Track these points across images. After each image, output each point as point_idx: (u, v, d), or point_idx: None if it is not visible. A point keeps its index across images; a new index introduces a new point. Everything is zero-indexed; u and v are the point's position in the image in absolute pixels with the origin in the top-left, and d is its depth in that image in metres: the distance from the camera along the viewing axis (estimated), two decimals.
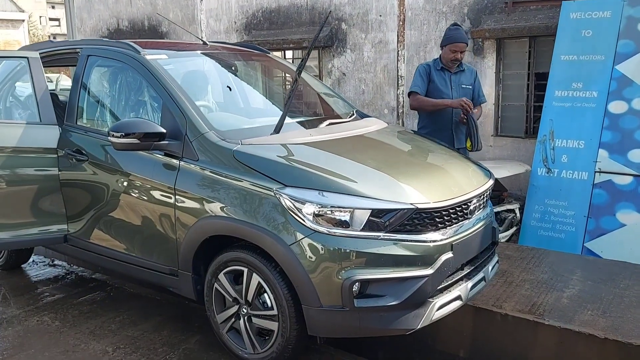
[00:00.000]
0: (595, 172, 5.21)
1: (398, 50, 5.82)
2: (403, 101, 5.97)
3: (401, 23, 5.70)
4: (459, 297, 2.75)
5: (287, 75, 5.67)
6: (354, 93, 8.13)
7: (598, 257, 4.83)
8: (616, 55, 5.29)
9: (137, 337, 3.17)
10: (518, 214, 5.65)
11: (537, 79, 6.54)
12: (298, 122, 3.42)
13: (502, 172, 5.67)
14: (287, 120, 3.22)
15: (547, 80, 5.72)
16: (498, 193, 5.76)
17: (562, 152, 5.44)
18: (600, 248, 5.06)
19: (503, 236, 5.48)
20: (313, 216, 2.54)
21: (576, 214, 5.25)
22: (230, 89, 3.82)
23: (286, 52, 8.79)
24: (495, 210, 5.44)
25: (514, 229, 5.60)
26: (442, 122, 4.33)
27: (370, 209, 2.53)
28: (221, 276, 2.84)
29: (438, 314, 2.65)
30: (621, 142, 5.13)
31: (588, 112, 5.36)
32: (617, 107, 5.21)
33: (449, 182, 2.90)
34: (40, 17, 51.44)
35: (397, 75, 5.92)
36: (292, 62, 8.72)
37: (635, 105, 5.11)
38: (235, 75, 4.01)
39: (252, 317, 2.78)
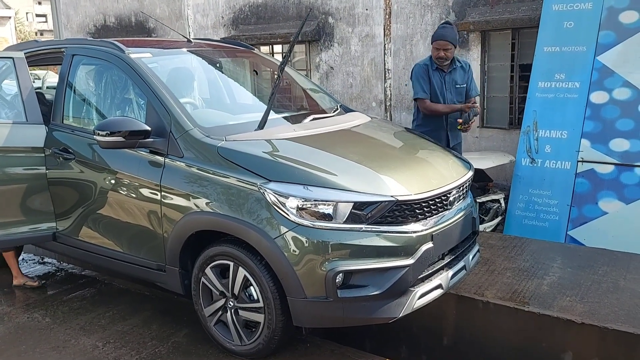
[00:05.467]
0: (577, 161, 5.30)
1: (385, 44, 5.88)
2: (391, 94, 6.03)
3: (387, 16, 5.75)
4: (439, 286, 2.83)
5: (272, 70, 5.70)
6: (341, 87, 8.18)
7: (580, 245, 4.93)
8: (597, 46, 5.37)
9: (126, 332, 3.23)
10: (503, 204, 5.73)
11: (522, 70, 6.62)
12: (282, 118, 3.47)
13: (486, 162, 5.76)
14: (272, 115, 3.27)
15: (530, 72, 5.80)
16: (483, 184, 5.84)
17: (546, 142, 5.52)
18: (583, 236, 5.16)
19: (488, 226, 5.57)
20: (297, 210, 2.60)
21: (559, 202, 5.34)
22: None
23: (274, 46, 8.82)
24: (480, 200, 5.53)
25: (499, 218, 5.69)
26: (437, 123, 4.38)
27: (352, 201, 2.60)
28: (208, 270, 2.90)
29: (419, 303, 2.73)
30: (603, 132, 5.22)
31: (570, 103, 5.44)
32: (598, 97, 5.30)
33: (429, 174, 2.96)
34: (27, 13, 50.96)
35: (384, 68, 5.98)
36: (282, 56, 8.75)
37: (616, 95, 5.20)
38: (221, 72, 4.05)
39: (238, 310, 2.84)
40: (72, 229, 3.51)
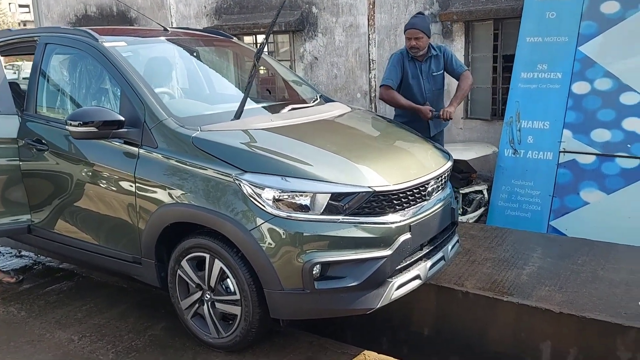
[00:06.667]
0: (559, 152, 5.32)
1: (369, 34, 5.83)
2: (375, 85, 5.99)
3: (371, 6, 5.71)
4: (417, 277, 2.81)
5: (251, 60, 5.63)
6: (326, 77, 8.12)
7: (561, 235, 4.96)
8: (579, 36, 5.39)
9: (103, 325, 3.18)
10: (486, 195, 5.75)
11: (505, 61, 6.62)
12: (260, 108, 3.42)
13: (470, 154, 5.76)
14: (249, 105, 3.23)
15: (513, 63, 5.79)
16: (467, 175, 5.85)
17: (528, 133, 5.54)
18: (565, 226, 5.19)
19: (471, 217, 5.58)
20: (273, 201, 2.56)
21: (542, 193, 5.37)
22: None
23: (257, 36, 8.73)
24: (463, 191, 5.54)
25: (482, 209, 5.70)
26: (417, 114, 4.35)
27: (329, 192, 2.57)
28: (184, 263, 2.86)
29: (397, 293, 2.71)
30: (584, 122, 5.24)
31: (553, 93, 5.45)
32: (580, 87, 5.32)
33: (407, 164, 2.94)
34: (9, 4, 50.05)
35: (369, 59, 5.94)
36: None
37: (598, 85, 5.22)
38: (199, 61, 3.99)
39: (215, 303, 2.81)
40: (47, 221, 3.45)
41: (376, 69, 5.96)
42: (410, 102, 4.24)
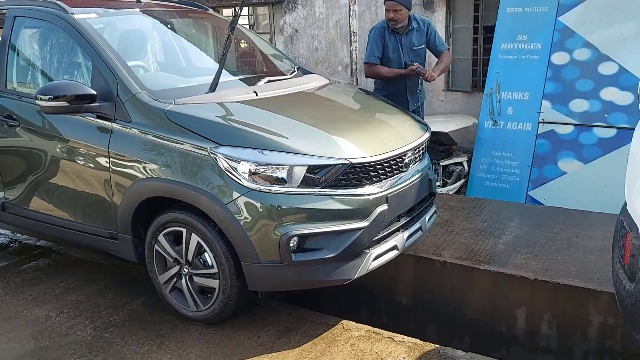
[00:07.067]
0: (538, 122, 5.35)
1: (349, 5, 5.75)
2: (356, 57, 5.93)
3: None
4: (395, 247, 2.83)
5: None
6: (307, 50, 8.02)
7: (538, 205, 5.02)
8: (559, 6, 5.36)
9: (81, 302, 3.17)
10: (466, 167, 5.78)
11: (486, 32, 6.58)
12: (236, 80, 3.37)
13: (450, 125, 5.77)
14: (226, 78, 3.18)
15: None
16: (447, 147, 5.87)
17: (508, 104, 5.55)
18: (543, 196, 5.26)
19: (451, 188, 5.62)
20: (249, 174, 2.55)
21: (520, 164, 5.41)
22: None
23: (236, 8, 8.56)
24: (443, 163, 5.56)
25: (462, 181, 5.74)
26: (396, 87, 4.34)
27: (305, 165, 2.55)
28: (161, 237, 2.84)
29: (374, 264, 2.73)
30: (563, 93, 5.26)
31: (532, 64, 5.45)
32: (559, 58, 5.32)
33: (384, 136, 2.93)
34: None
35: (350, 31, 5.86)
36: (248, 19, 8.53)
37: (577, 56, 5.23)
38: (174, 33, 3.90)
39: (193, 276, 2.80)
40: (22, 199, 3.39)
41: (357, 41, 5.89)
42: (394, 69, 4.23)
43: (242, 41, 4.01)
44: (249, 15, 8.56)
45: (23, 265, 3.71)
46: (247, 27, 8.39)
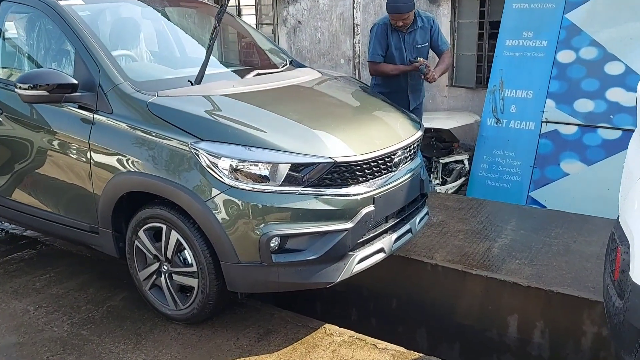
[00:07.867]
0: (542, 122, 5.20)
1: None
2: (359, 51, 5.81)
3: None
4: (381, 250, 2.73)
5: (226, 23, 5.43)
6: (309, 42, 7.89)
7: (538, 207, 4.90)
8: (566, 3, 5.20)
9: (61, 296, 3.10)
10: (467, 165, 5.66)
11: (492, 28, 6.42)
12: (223, 73, 3.28)
13: (452, 122, 5.65)
14: (214, 70, 3.09)
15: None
16: (449, 144, 5.74)
17: (511, 102, 5.41)
18: (544, 197, 5.12)
19: (451, 187, 5.50)
20: (230, 171, 2.46)
21: (522, 163, 5.27)
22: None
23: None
24: (443, 161, 5.45)
25: (463, 179, 5.62)
26: (397, 85, 4.23)
27: (288, 163, 2.46)
28: (141, 233, 2.76)
29: (359, 267, 2.64)
30: (568, 92, 5.11)
31: (537, 62, 5.30)
32: (565, 56, 5.17)
33: (373, 134, 2.82)
34: None
35: (353, 23, 5.74)
36: (254, 9, 8.41)
37: (583, 54, 5.07)
38: (166, 22, 3.80)
39: (172, 274, 2.72)
40: (4, 189, 3.32)
41: (360, 34, 5.77)
42: (398, 66, 4.14)
43: (233, 32, 3.89)
44: (255, 5, 8.44)
45: (7, 256, 3.64)
46: (254, 17, 8.28)
